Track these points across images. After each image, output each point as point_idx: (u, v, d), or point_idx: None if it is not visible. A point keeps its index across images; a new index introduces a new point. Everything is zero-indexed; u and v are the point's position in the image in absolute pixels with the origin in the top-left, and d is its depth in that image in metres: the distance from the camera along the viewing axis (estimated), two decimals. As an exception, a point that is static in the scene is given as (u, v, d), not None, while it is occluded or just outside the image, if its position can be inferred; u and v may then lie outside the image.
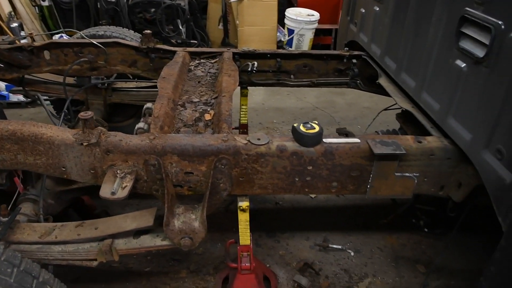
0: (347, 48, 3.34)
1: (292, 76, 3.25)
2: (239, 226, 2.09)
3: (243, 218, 2.05)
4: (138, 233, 1.90)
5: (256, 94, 5.34)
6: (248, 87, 3.24)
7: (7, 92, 5.01)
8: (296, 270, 2.72)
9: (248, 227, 2.10)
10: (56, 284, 1.55)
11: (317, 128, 1.86)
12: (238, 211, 2.02)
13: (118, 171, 1.82)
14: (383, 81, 2.78)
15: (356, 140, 1.92)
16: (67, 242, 1.85)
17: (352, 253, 2.90)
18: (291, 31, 6.04)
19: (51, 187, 2.49)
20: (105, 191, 1.69)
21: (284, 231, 3.09)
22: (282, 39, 6.12)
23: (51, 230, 1.88)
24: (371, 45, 3.08)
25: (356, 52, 3.23)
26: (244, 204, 1.95)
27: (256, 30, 5.80)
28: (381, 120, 3.51)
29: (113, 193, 1.68)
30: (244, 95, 3.21)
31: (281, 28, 6.23)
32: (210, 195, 1.84)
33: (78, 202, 2.96)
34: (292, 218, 3.23)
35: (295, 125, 1.89)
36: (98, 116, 3.38)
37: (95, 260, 1.87)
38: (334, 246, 2.93)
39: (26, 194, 2.34)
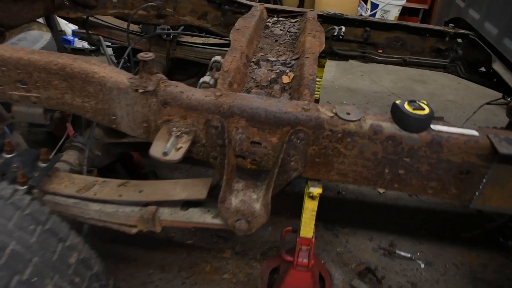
0: (452, 25, 2.81)
1: (380, 51, 2.80)
2: (303, 215, 1.74)
3: (310, 207, 1.70)
4: (186, 204, 1.62)
5: (326, 70, 4.88)
6: (327, 58, 2.83)
7: (72, 37, 4.94)
8: (355, 274, 2.36)
9: (314, 218, 1.75)
10: (85, 251, 1.29)
11: (426, 110, 1.44)
12: (306, 197, 1.67)
13: (174, 129, 1.52)
14: (498, 67, 2.26)
15: (474, 132, 1.48)
16: (106, 201, 1.60)
17: (422, 265, 2.48)
18: (374, 6, 5.45)
19: (100, 137, 2.28)
20: (156, 150, 1.40)
21: (345, 226, 2.71)
22: (363, 14, 5.55)
23: (91, 185, 1.64)
24: (484, 23, 2.54)
25: (462, 31, 2.70)
26: (315, 190, 1.59)
27: (335, 1, 5.29)
28: (465, 116, 2.98)
29: (165, 154, 1.38)
30: (321, 65, 2.81)
31: (363, 2, 5.66)
32: (278, 173, 1.50)
33: (127, 158, 2.75)
34: (355, 213, 2.84)
35: (397, 101, 1.49)
36: (159, 70, 3.13)
37: (135, 227, 1.61)
38: (402, 253, 2.51)
39: (72, 141, 2.13)
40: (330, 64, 5.00)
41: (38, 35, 2.65)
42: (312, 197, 1.66)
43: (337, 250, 2.52)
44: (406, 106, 1.46)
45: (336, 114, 1.47)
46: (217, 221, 1.55)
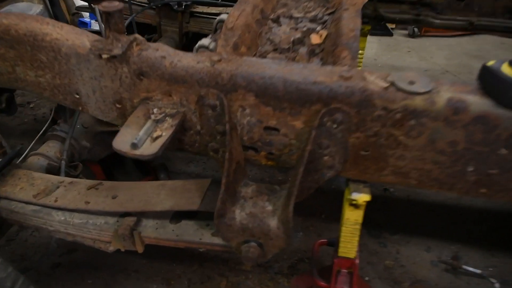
0: (536, -25, 2.18)
1: (437, 13, 2.22)
2: (343, 227, 1.26)
3: (353, 218, 1.21)
4: (178, 214, 1.17)
5: (367, 47, 4.28)
6: (370, 23, 2.29)
7: (89, 20, 4.62)
8: (410, 296, 1.84)
9: (358, 233, 1.26)
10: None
11: (541, 73, 0.91)
12: (346, 205, 1.18)
13: (155, 110, 1.07)
14: None
15: None
16: (71, 210, 1.19)
17: (497, 285, 1.92)
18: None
19: (90, 124, 1.87)
20: (121, 140, 0.96)
21: (394, 232, 2.19)
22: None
23: (54, 187, 1.23)
24: None
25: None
26: (360, 197, 1.10)
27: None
28: None
29: (134, 146, 0.94)
30: (363, 34, 2.27)
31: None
32: (304, 173, 1.01)
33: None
34: (407, 215, 2.30)
35: (489, 63, 0.96)
36: (172, 46, 2.69)
37: (110, 243, 1.18)
38: (470, 268, 1.97)
39: (54, 129, 1.74)
40: (371, 40, 4.40)
41: (25, 7, 2.28)
42: (355, 205, 1.17)
43: (385, 263, 2.01)
44: (505, 68, 0.93)
45: (392, 83, 0.96)
46: (218, 240, 1.09)
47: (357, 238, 1.29)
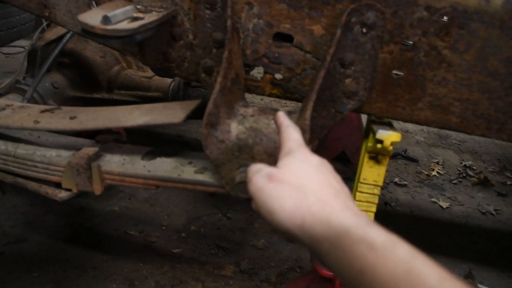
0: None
1: None
2: (357, 193, 1.02)
3: (372, 177, 0.97)
4: (153, 153, 0.91)
5: None
6: None
7: None
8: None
9: (376, 204, 1.02)
10: None
11: None
12: (364, 160, 0.95)
13: (140, 6, 0.85)
14: None
15: None
16: (15, 128, 0.92)
17: (518, 309, 1.65)
18: None
19: (62, 86, 1.63)
20: (90, 15, 0.73)
21: (397, 246, 1.91)
22: None
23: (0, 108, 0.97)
24: None
25: None
26: (388, 135, 0.87)
27: None
28: None
29: (106, 20, 0.71)
30: None
31: None
32: (318, 99, 0.78)
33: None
34: (411, 232, 2.04)
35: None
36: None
37: (60, 185, 0.90)
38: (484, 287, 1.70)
39: (18, 82, 1.49)
40: None
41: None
42: (376, 156, 0.93)
43: (388, 278, 1.73)
44: None
45: (439, -22, 0.77)
46: (203, 177, 0.83)
47: (374, 210, 1.05)
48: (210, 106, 0.71)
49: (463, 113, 0.85)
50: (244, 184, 0.68)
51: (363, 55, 0.81)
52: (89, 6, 0.93)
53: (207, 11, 0.84)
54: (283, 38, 0.85)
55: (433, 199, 2.28)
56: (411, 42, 0.80)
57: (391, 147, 0.88)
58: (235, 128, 0.75)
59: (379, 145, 0.87)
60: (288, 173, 0.52)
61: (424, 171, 2.56)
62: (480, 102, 0.83)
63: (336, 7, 0.80)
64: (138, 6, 0.85)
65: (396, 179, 2.43)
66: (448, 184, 2.47)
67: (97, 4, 0.92)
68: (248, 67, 0.89)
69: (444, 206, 2.22)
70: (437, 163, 2.68)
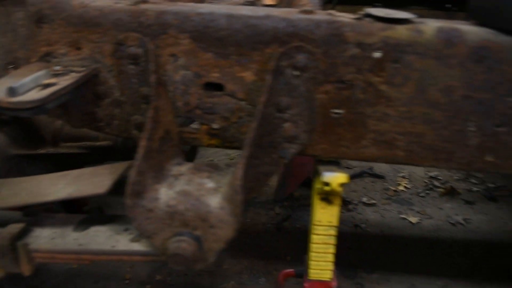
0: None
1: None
2: (313, 236, 0.97)
3: (325, 218, 0.93)
4: (87, 221, 0.83)
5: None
6: None
7: None
8: None
9: (334, 244, 0.97)
10: None
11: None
12: (316, 201, 0.90)
13: (58, 68, 0.79)
14: None
15: None
16: None
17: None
18: None
19: (3, 144, 1.53)
20: (-6, 86, 0.66)
21: (371, 271, 1.87)
22: None
23: None
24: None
25: None
26: (334, 178, 0.83)
27: None
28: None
29: (11, 92, 0.64)
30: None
31: None
32: (255, 146, 0.74)
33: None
34: (383, 252, 2.01)
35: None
36: None
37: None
38: (463, 305, 1.67)
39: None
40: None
41: None
42: (327, 200, 0.89)
43: (365, 307, 1.68)
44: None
45: (367, 14, 0.75)
46: (139, 246, 0.76)
47: (332, 251, 1.00)
48: (133, 174, 0.64)
49: (408, 146, 0.82)
50: (179, 256, 0.61)
51: (298, 98, 0.77)
52: (5, 69, 0.85)
53: (131, 66, 0.79)
54: (214, 87, 0.80)
55: (402, 215, 2.26)
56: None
57: (340, 188, 0.84)
58: (164, 194, 0.68)
59: (326, 188, 0.83)
60: None
61: (391, 187, 2.56)
62: (424, 134, 0.80)
63: (265, 51, 0.76)
64: (57, 67, 0.79)
65: (365, 199, 2.40)
66: (416, 198, 2.46)
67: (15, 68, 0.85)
68: (189, 119, 0.84)
69: (414, 222, 2.20)
70: (403, 177, 2.68)
